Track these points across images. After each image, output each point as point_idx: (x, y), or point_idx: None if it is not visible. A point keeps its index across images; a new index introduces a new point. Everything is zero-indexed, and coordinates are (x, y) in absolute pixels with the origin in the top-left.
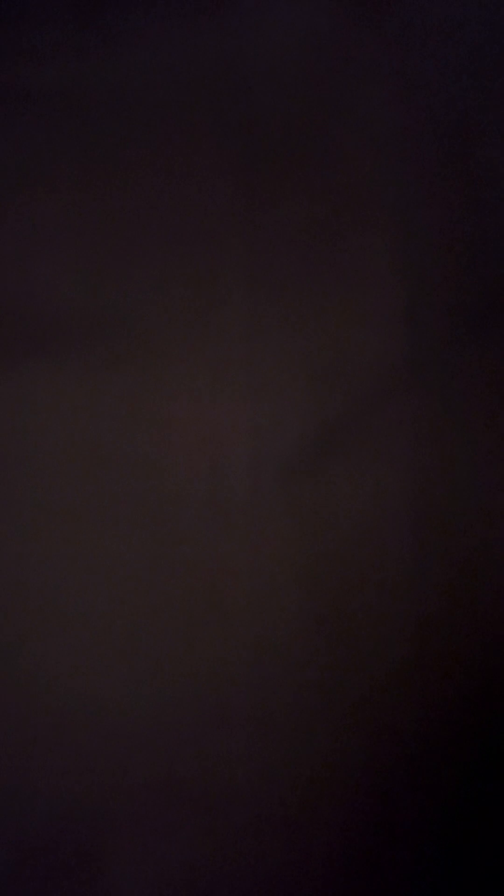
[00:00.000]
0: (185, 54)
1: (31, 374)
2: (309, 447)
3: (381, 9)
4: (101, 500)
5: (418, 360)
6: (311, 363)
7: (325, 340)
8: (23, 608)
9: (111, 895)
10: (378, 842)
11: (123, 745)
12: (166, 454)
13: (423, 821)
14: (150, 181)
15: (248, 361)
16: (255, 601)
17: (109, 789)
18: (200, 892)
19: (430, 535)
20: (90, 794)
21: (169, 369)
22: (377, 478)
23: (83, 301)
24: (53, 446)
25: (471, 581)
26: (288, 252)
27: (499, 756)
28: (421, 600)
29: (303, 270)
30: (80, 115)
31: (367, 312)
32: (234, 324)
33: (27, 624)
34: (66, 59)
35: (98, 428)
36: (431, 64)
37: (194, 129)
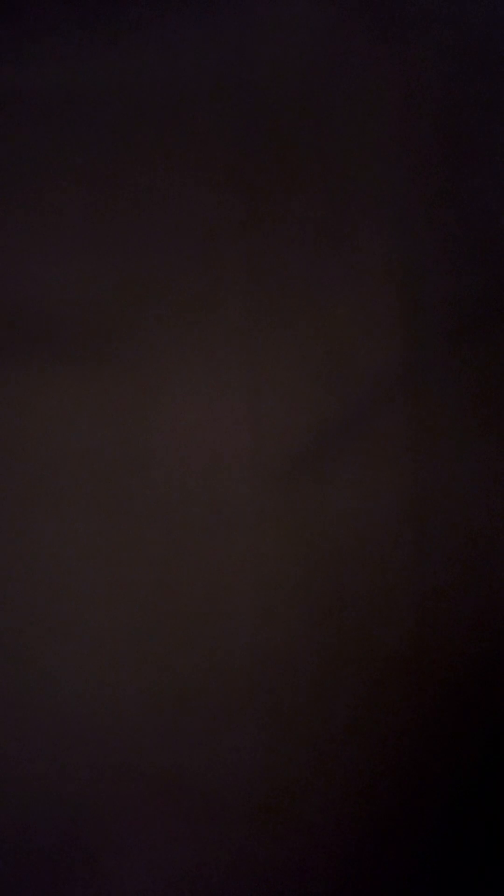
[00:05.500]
0: (187, 54)
1: (28, 374)
2: (309, 447)
3: (384, 9)
4: (100, 500)
5: (418, 360)
6: (312, 364)
7: (326, 341)
8: (22, 607)
9: (113, 892)
10: (383, 839)
11: (124, 743)
12: (165, 454)
13: (427, 816)
14: (151, 181)
15: (247, 362)
16: (256, 599)
17: (110, 786)
18: (203, 888)
19: (429, 535)
20: (91, 789)
21: (168, 369)
22: (377, 478)
23: (82, 301)
24: (51, 445)
25: (471, 581)
26: (288, 253)
27: (500, 751)
28: (421, 600)
29: (303, 271)
30: (80, 115)
31: (367, 313)
32: (235, 324)
33: (27, 622)
34: (66, 60)
35: (96, 427)
36: (434, 65)
37: (195, 129)
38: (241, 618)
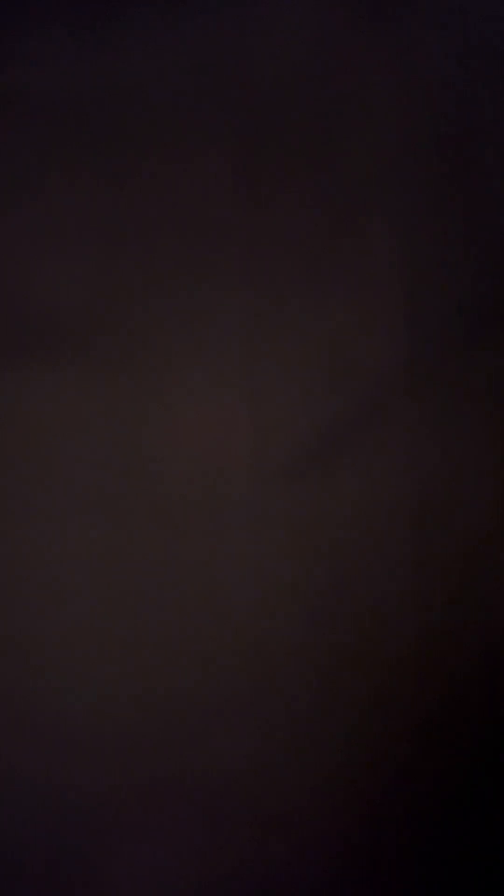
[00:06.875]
0: (187, 55)
1: (29, 376)
2: (309, 449)
3: (384, 10)
4: (101, 502)
5: (419, 361)
6: (312, 365)
7: (326, 342)
8: (22, 609)
9: (110, 894)
10: (381, 840)
11: (123, 745)
12: (166, 455)
13: (428, 820)
14: (151, 182)
15: (248, 363)
16: (256, 601)
17: (108, 788)
18: (201, 890)
19: (430, 537)
20: (89, 792)
21: (169, 370)
22: (378, 479)
23: (82, 302)
24: (52, 447)
25: (471, 582)
26: (289, 254)
27: (500, 755)
28: (422, 601)
29: (304, 272)
30: (81, 115)
31: (368, 314)
32: (235, 325)
33: (27, 623)
34: (67, 61)
35: (97, 429)
36: (435, 63)
37: (195, 130)
38: (241, 620)
